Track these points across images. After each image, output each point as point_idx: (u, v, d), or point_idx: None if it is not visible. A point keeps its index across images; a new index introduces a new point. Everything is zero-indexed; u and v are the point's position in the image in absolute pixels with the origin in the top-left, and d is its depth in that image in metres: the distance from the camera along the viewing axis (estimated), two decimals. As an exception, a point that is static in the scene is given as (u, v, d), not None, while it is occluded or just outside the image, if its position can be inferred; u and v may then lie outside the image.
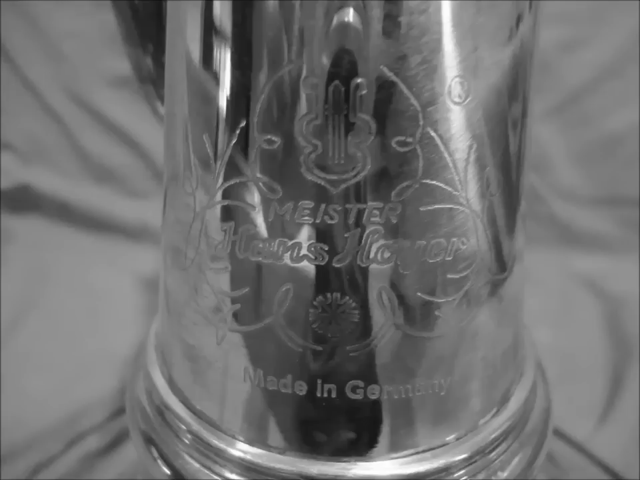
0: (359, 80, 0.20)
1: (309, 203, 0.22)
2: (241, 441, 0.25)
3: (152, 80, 0.31)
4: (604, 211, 0.60)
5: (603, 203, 0.60)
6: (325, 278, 0.22)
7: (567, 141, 0.60)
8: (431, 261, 0.22)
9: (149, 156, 0.61)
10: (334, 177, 0.21)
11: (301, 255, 0.22)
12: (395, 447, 0.24)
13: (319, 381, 0.23)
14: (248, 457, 0.25)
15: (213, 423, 0.26)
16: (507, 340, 0.26)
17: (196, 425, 0.26)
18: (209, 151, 0.23)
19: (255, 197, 0.22)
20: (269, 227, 0.22)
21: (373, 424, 0.24)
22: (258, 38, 0.21)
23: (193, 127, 0.23)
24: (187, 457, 0.26)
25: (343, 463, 0.24)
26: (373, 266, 0.22)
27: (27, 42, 0.59)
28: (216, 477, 0.25)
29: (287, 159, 0.21)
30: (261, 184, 0.22)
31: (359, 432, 0.24)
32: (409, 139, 0.21)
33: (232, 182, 0.22)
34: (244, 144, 0.22)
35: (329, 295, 0.22)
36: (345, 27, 0.20)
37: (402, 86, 0.20)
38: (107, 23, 0.35)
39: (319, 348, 0.23)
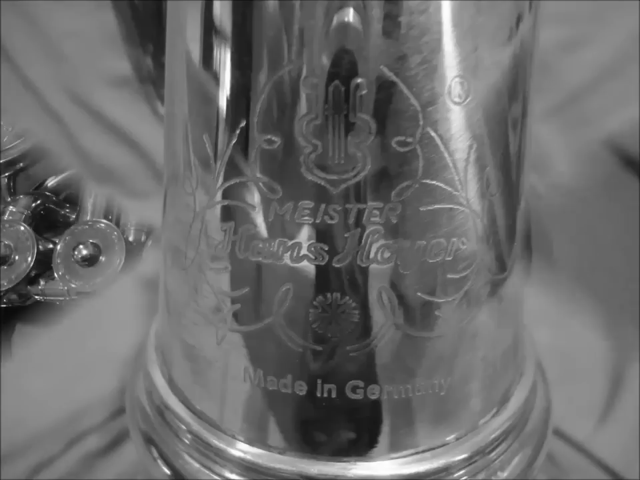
0: (359, 80, 0.20)
1: (308, 203, 0.22)
2: (241, 441, 0.25)
3: (152, 80, 0.31)
4: (604, 210, 0.60)
5: (603, 203, 0.60)
6: (324, 278, 0.22)
7: (567, 141, 0.60)
8: (430, 261, 0.22)
9: (149, 156, 0.61)
10: (334, 177, 0.21)
11: (301, 255, 0.22)
12: (395, 447, 0.24)
13: (319, 381, 0.23)
14: (248, 457, 0.25)
15: (213, 422, 0.26)
16: (507, 340, 0.26)
17: (196, 425, 0.26)
18: (209, 150, 0.23)
19: (255, 197, 0.22)
20: (269, 226, 0.22)
21: (372, 424, 0.24)
22: (258, 38, 0.21)
23: (193, 127, 0.23)
24: (186, 457, 0.26)
25: (343, 463, 0.24)
26: (373, 266, 0.22)
27: (27, 42, 0.59)
28: (216, 477, 0.25)
29: (286, 158, 0.21)
30: (261, 184, 0.22)
31: (358, 432, 0.24)
32: (409, 139, 0.21)
33: (232, 182, 0.22)
34: (244, 144, 0.22)
35: (328, 294, 0.22)
36: (344, 26, 0.20)
37: (402, 86, 0.20)
38: (106, 23, 0.35)
39: (319, 348, 0.23)
